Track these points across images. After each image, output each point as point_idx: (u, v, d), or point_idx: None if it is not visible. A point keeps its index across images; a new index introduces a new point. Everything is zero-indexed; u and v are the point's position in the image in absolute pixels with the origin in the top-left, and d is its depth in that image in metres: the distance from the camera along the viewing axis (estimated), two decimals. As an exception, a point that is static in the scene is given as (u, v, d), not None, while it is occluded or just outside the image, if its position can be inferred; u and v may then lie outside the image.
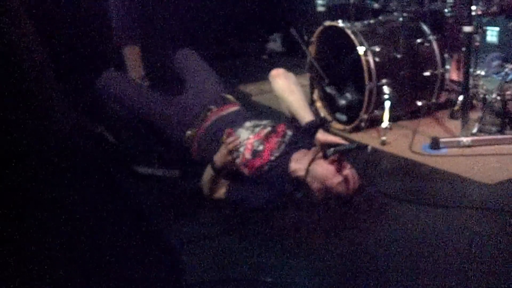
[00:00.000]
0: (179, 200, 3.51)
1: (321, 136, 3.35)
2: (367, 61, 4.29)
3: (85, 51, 5.70)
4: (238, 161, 3.35)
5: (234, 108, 3.85)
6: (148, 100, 3.81)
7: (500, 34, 5.44)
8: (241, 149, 3.38)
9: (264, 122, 3.60)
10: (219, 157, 3.25)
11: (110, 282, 1.14)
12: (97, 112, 4.02)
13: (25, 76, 1.04)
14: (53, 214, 1.04)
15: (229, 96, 3.97)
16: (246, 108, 4.00)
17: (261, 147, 3.39)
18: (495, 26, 5.43)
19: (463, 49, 4.08)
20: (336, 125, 4.67)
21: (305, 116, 3.47)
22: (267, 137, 3.43)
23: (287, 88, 3.67)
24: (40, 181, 1.03)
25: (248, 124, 3.58)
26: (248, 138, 3.45)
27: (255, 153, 3.38)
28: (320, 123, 3.39)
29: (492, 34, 5.49)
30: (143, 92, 3.90)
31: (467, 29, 3.98)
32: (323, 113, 4.77)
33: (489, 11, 4.27)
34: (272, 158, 3.35)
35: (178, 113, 3.76)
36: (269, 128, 3.49)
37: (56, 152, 1.07)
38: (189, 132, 3.67)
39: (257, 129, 3.51)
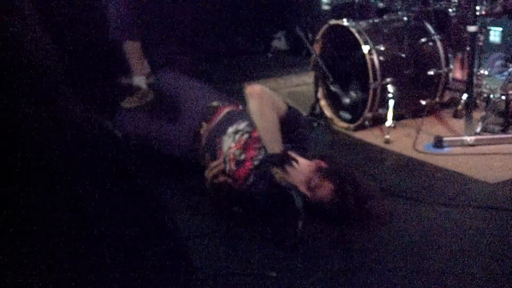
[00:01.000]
0: (185, 195, 3.54)
1: (277, 176, 3.11)
2: (372, 60, 4.31)
3: (90, 45, 5.73)
4: (228, 172, 3.29)
5: (222, 114, 3.65)
6: (152, 135, 3.85)
7: (503, 34, 5.47)
8: (227, 160, 3.33)
9: (242, 125, 3.46)
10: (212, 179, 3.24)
11: (121, 278, 1.15)
12: (103, 107, 4.03)
13: (32, 68, 1.06)
14: (61, 205, 1.05)
15: (215, 103, 3.77)
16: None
17: (242, 156, 3.29)
18: (498, 26, 5.45)
19: (467, 48, 4.10)
20: (340, 124, 4.68)
21: (270, 147, 3.13)
22: (246, 145, 3.33)
23: (258, 112, 3.18)
24: (49, 172, 1.04)
25: (230, 130, 3.47)
26: (230, 148, 3.37)
27: (238, 163, 3.28)
28: (278, 160, 3.07)
29: (495, 34, 5.52)
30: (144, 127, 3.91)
31: (471, 28, 4.00)
32: (327, 111, 4.78)
33: (493, 12, 4.28)
34: (255, 165, 3.22)
35: (178, 140, 3.73)
36: (246, 135, 3.38)
37: (66, 143, 1.08)
38: (194, 156, 3.67)
39: (237, 136, 3.40)
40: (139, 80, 4.98)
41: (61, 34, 5.04)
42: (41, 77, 1.07)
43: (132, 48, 4.99)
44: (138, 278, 1.19)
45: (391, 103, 4.30)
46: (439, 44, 4.57)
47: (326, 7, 5.43)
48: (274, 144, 3.12)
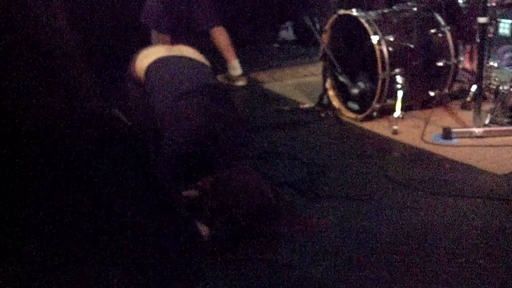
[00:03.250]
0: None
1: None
2: (381, 51, 4.29)
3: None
4: None
5: None
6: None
7: (513, 26, 5.43)
8: None
9: None
10: None
11: (133, 269, 1.17)
12: (111, 94, 4.04)
13: (56, 59, 1.07)
14: (80, 195, 1.07)
15: None
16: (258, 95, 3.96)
17: None
18: (508, 18, 5.40)
19: (477, 40, 4.08)
20: (348, 114, 4.66)
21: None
22: None
23: None
24: (69, 161, 1.06)
25: None
26: None
27: None
28: None
29: (504, 27, 5.46)
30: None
31: (481, 20, 3.99)
32: (335, 102, 4.76)
33: (504, 3, 4.27)
34: None
35: None
36: None
37: (86, 134, 1.10)
38: None
39: None
40: None
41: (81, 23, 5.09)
42: (64, 67, 1.08)
43: (159, 39, 5.08)
44: (150, 268, 1.21)
45: (400, 93, 4.28)
46: (448, 35, 4.54)
47: (335, -2, 5.40)
48: None
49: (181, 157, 3.07)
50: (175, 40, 5.01)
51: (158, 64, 3.61)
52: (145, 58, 3.70)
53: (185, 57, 3.76)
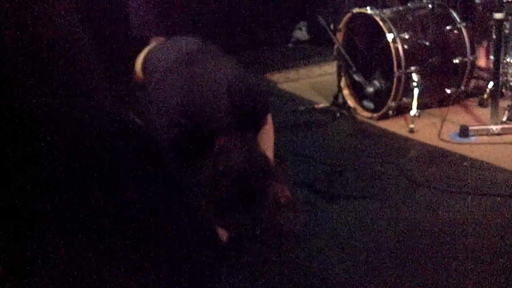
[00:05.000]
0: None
1: None
2: (396, 48, 4.26)
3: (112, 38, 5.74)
4: None
5: None
6: None
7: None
8: None
9: None
10: None
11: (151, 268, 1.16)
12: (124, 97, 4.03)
13: (72, 63, 1.08)
14: (96, 196, 1.07)
15: None
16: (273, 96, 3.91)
17: None
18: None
19: (493, 36, 4.04)
20: (364, 113, 4.64)
21: None
22: None
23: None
24: (85, 163, 1.06)
25: None
26: None
27: None
28: None
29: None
30: None
31: (498, 15, 3.94)
32: (350, 101, 4.74)
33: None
34: None
35: None
36: None
37: (101, 138, 1.10)
38: None
39: None
40: None
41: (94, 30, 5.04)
42: (77, 70, 1.09)
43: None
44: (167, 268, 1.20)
45: (416, 91, 4.25)
46: (464, 31, 4.50)
47: (349, -4, 5.38)
48: None
49: (173, 143, 2.83)
50: None
51: (150, 55, 3.49)
52: (139, 59, 3.62)
53: (174, 39, 3.60)
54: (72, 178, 1.03)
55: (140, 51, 4.96)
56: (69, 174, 1.03)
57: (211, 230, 1.37)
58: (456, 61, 4.49)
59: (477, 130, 4.08)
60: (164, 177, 1.25)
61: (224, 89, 2.88)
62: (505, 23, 4.10)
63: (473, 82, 4.76)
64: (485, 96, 4.53)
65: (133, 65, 3.70)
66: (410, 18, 4.50)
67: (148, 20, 4.91)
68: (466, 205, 3.17)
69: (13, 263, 0.99)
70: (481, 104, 4.60)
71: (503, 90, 4.42)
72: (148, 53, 3.48)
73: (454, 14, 4.55)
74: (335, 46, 4.66)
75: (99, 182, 1.07)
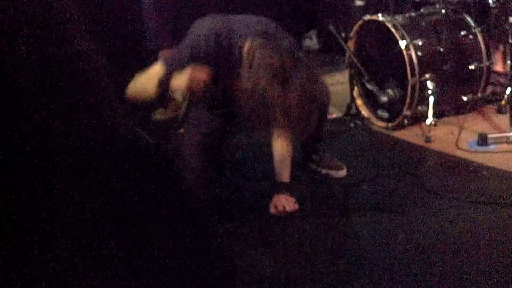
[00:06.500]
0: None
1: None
2: (410, 56, 4.16)
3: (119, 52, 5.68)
4: None
5: None
6: None
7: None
8: None
9: None
10: None
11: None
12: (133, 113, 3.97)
13: (85, 79, 1.10)
14: (102, 212, 1.09)
15: None
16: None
17: None
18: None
19: (510, 40, 3.95)
20: (378, 123, 4.55)
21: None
22: None
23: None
24: (94, 177, 1.08)
25: None
26: None
27: None
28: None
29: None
30: None
31: (514, 19, 3.86)
32: (363, 111, 4.64)
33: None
34: None
35: None
36: None
37: (112, 153, 1.13)
38: None
39: None
40: (173, 91, 4.89)
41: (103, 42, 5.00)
42: (87, 86, 1.11)
43: None
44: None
45: (431, 100, 4.15)
46: (479, 36, 4.40)
47: (359, 3, 5.30)
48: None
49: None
50: None
51: None
52: None
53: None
54: (81, 194, 1.05)
55: (152, 63, 4.91)
56: (78, 189, 1.04)
57: (224, 256, 1.36)
58: (471, 67, 4.38)
59: (496, 138, 3.97)
60: (174, 193, 1.26)
61: None
62: (521, 27, 4.01)
63: (490, 88, 4.66)
64: (504, 102, 4.42)
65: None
66: (423, 24, 4.39)
67: (162, 32, 4.85)
68: (486, 216, 3.10)
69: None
70: (500, 111, 4.49)
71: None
72: None
73: (469, 19, 4.44)
74: (347, 55, 4.57)
75: (108, 198, 1.09)
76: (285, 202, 3.23)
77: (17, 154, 0.98)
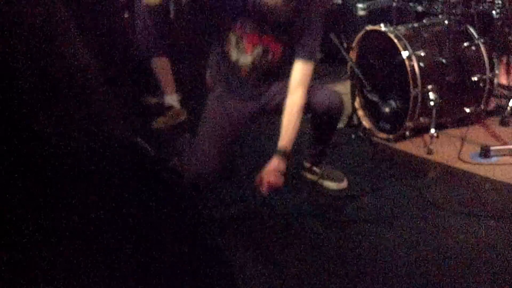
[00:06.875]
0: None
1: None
2: (412, 67, 4.13)
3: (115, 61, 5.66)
4: None
5: None
6: None
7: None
8: None
9: None
10: None
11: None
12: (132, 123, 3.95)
13: (77, 84, 1.08)
14: (101, 224, 1.06)
15: None
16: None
17: None
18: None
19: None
20: (380, 134, 4.51)
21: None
22: None
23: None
24: (93, 189, 1.06)
25: None
26: None
27: None
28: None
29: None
30: None
31: (518, 30, 3.83)
32: (365, 122, 4.61)
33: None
34: None
35: None
36: None
37: (110, 164, 1.10)
38: None
39: None
40: (171, 99, 4.87)
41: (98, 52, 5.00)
42: (86, 97, 1.09)
43: (160, 65, 4.87)
44: None
45: (434, 111, 4.11)
46: (482, 48, 4.37)
47: (362, 13, 5.27)
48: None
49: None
50: (174, 63, 4.87)
51: None
52: None
53: None
54: (79, 205, 1.02)
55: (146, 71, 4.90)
56: (75, 201, 1.02)
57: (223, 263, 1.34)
58: (474, 78, 4.35)
59: (499, 151, 3.94)
60: (174, 205, 1.20)
61: None
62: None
63: (493, 100, 4.63)
64: (507, 114, 4.40)
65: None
66: (426, 35, 4.37)
67: (154, 41, 4.81)
68: (488, 229, 3.09)
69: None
70: (503, 123, 4.47)
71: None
72: None
73: (472, 30, 4.41)
74: (349, 65, 4.54)
75: (106, 209, 1.06)
76: (271, 178, 3.13)
77: (13, 167, 0.96)
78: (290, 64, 3.26)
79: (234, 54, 3.26)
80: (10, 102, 0.98)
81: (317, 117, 3.45)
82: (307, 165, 3.76)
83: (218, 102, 3.41)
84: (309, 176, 3.75)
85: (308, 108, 3.31)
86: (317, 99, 3.34)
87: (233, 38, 3.21)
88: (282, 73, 3.33)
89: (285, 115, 3.22)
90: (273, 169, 3.14)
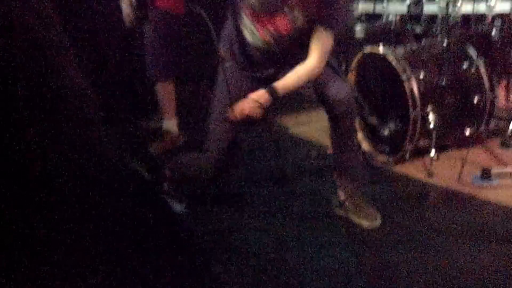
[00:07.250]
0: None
1: None
2: (411, 89, 4.10)
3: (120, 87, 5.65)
4: None
5: None
6: None
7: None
8: None
9: None
10: None
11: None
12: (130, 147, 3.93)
13: (71, 111, 1.11)
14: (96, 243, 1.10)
15: None
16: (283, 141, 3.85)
17: None
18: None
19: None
20: (379, 157, 4.49)
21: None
22: None
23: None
24: (85, 210, 1.09)
25: None
26: None
27: None
28: None
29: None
30: None
31: (517, 51, 3.81)
32: (364, 144, 4.56)
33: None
34: None
35: None
36: None
37: (100, 182, 1.13)
38: None
39: None
40: (170, 124, 4.85)
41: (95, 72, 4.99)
42: (81, 122, 1.12)
43: (166, 90, 4.85)
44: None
45: (433, 133, 4.08)
46: (482, 69, 4.34)
47: (360, 35, 5.25)
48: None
49: None
50: (178, 86, 4.84)
51: None
52: None
53: None
54: (76, 229, 1.06)
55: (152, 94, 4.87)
56: (72, 224, 1.06)
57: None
58: (474, 100, 4.32)
59: (500, 173, 3.90)
60: (168, 229, 1.28)
61: None
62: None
63: (493, 122, 4.60)
64: (508, 136, 4.37)
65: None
66: (425, 57, 4.35)
67: (163, 65, 4.79)
68: (490, 253, 3.03)
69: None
70: (504, 144, 4.45)
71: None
72: None
73: (471, 51, 4.39)
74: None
75: (104, 232, 1.10)
76: (249, 105, 3.09)
77: (11, 187, 0.98)
78: (303, 51, 3.17)
79: (246, 35, 3.18)
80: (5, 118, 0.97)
81: (331, 112, 3.41)
82: (341, 197, 3.59)
83: (229, 72, 3.31)
84: (336, 210, 3.61)
85: (322, 100, 3.39)
86: (331, 91, 3.35)
87: (245, 19, 3.13)
88: (294, 59, 3.22)
89: (294, 69, 3.16)
90: (253, 98, 3.08)
